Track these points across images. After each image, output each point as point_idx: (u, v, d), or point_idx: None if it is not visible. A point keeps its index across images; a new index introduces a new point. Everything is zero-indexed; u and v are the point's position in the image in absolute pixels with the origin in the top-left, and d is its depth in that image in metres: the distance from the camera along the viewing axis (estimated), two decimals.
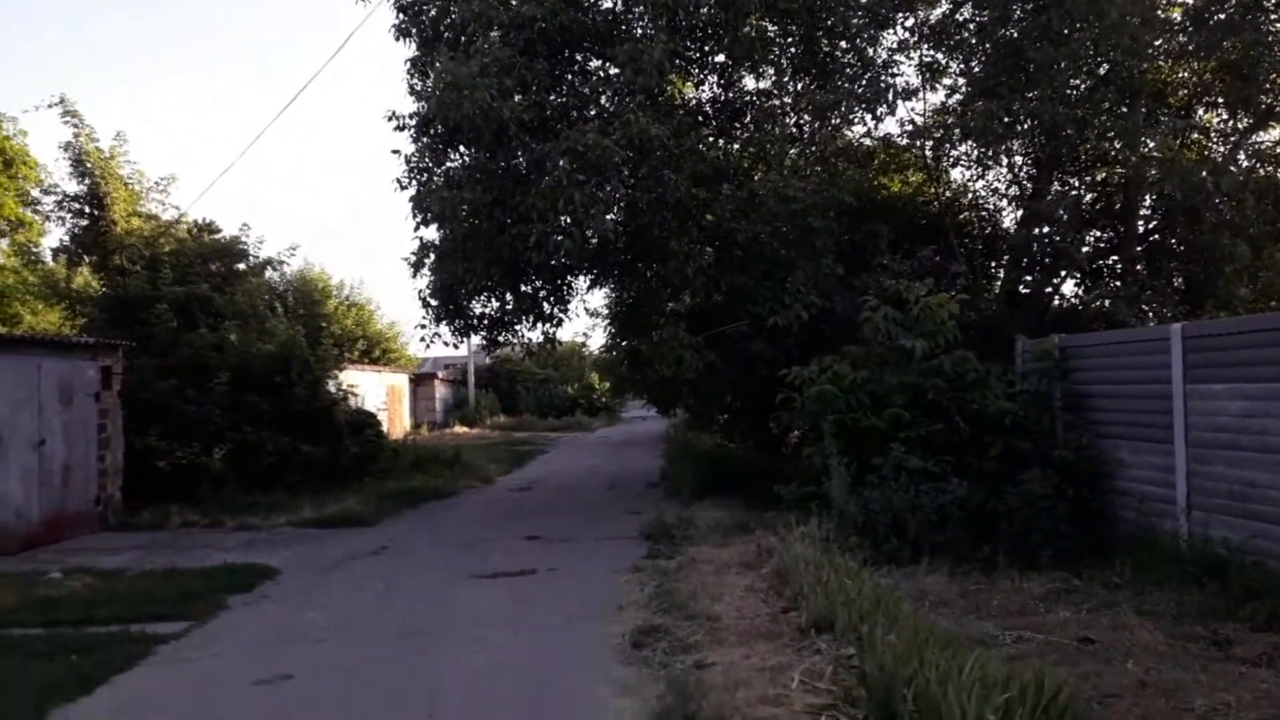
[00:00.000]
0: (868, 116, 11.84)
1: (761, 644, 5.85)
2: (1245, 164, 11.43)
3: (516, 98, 10.82)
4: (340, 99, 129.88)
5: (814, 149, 12.74)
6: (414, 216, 11.84)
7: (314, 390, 15.74)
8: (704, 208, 12.10)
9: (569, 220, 10.35)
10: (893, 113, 11.86)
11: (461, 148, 12.24)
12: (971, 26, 12.27)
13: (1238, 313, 10.93)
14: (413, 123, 12.19)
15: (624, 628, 6.58)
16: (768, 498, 12.33)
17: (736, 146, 13.59)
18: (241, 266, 18.44)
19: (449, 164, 12.52)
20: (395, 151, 12.50)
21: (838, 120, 12.38)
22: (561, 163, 10.17)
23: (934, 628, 5.30)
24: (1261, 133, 12.12)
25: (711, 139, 13.22)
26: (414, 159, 12.35)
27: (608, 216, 10.34)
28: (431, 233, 12.82)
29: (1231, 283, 11.10)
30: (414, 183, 12.36)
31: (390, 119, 12.26)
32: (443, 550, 10.43)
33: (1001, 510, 8.70)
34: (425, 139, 12.28)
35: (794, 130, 12.78)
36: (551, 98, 11.62)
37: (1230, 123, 12.13)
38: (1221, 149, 12.13)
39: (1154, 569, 7.40)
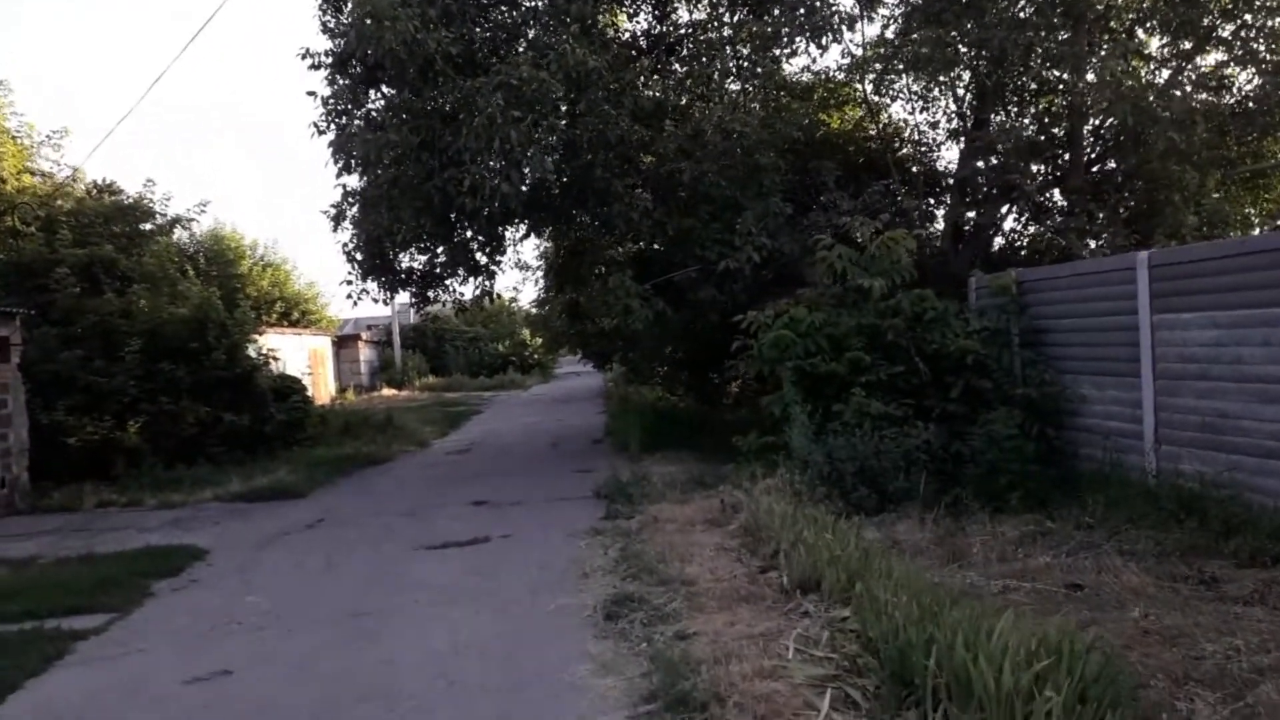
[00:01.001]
0: (812, 47, 11.34)
1: (744, 608, 5.48)
2: (1188, 89, 11.26)
3: (442, 30, 10.02)
4: (252, 41, 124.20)
5: (756, 83, 12.19)
6: (334, 162, 11.00)
7: (233, 356, 14.85)
8: (646, 147, 11.51)
9: (504, 162, 9.65)
10: (838, 41, 11.37)
11: (384, 87, 11.39)
12: None
13: (1186, 241, 10.84)
14: (329, 60, 11.28)
15: (593, 597, 6.14)
16: (719, 450, 12.01)
17: (673, 83, 12.98)
18: (148, 227, 17.26)
19: (370, 106, 11.67)
20: (311, 93, 11.56)
21: (781, 52, 11.85)
22: (495, 98, 9.42)
23: (938, 585, 4.96)
24: (1201, 57, 11.98)
25: (649, 74, 12.58)
26: (331, 101, 11.45)
27: (546, 156, 9.68)
28: (354, 181, 12.01)
29: (1180, 211, 10.98)
30: (332, 126, 11.49)
31: (304, 57, 11.31)
32: (384, 520, 9.84)
33: (966, 453, 8.48)
34: (344, 79, 11.39)
35: (734, 65, 12.22)
36: (479, 30, 10.83)
37: (1172, 47, 11.94)
38: (1163, 75, 11.97)
39: (1127, 507, 7.24)
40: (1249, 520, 6.51)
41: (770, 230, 11.17)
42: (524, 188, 10.08)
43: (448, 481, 12.62)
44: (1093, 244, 11.53)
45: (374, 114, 11.48)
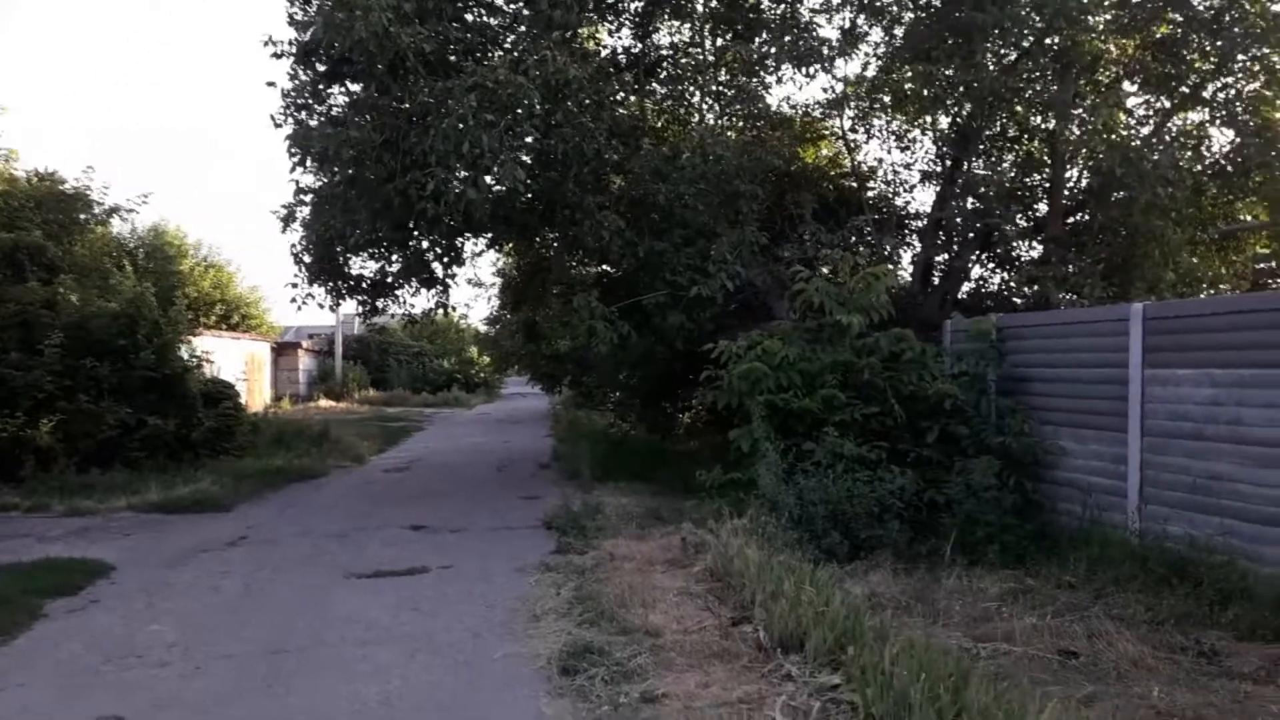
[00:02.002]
0: (798, 75, 10.92)
1: (717, 667, 4.86)
2: (1172, 146, 11.09)
3: (416, 26, 9.36)
4: (210, 32, 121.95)
5: (738, 107, 11.74)
6: (290, 156, 10.24)
7: (163, 356, 13.85)
8: (621, 165, 10.96)
9: (473, 168, 8.99)
10: (826, 70, 10.98)
11: (349, 82, 10.68)
12: None
13: (1164, 297, 10.59)
14: (293, 51, 10.55)
15: (546, 646, 5.46)
16: (675, 483, 11.40)
17: (651, 103, 12.48)
18: (84, 217, 16.22)
19: (332, 102, 10.96)
20: (271, 84, 10.79)
21: (768, 77, 11.42)
22: (468, 100, 8.77)
23: (945, 653, 4.39)
24: (1181, 115, 11.85)
25: (628, 90, 12.07)
26: (292, 94, 10.72)
27: (518, 165, 9.04)
28: (310, 179, 11.25)
29: (1159, 267, 10.75)
30: (291, 120, 10.74)
31: (267, 44, 10.56)
32: (312, 541, 9.02)
33: (941, 501, 8.02)
34: (307, 72, 10.68)
35: (715, 89, 11.77)
36: (455, 29, 10.19)
37: (1155, 102, 11.80)
38: (1144, 130, 11.81)
39: (1111, 567, 6.80)
40: (1245, 589, 6.11)
41: (744, 259, 10.68)
42: (491, 196, 9.43)
43: (384, 502, 11.80)
44: (1065, 295, 11.24)
45: (336, 110, 10.77)
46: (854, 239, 11.37)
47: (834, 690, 4.29)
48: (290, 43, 10.70)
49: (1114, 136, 10.03)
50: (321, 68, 10.78)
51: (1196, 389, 6.79)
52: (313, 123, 10.67)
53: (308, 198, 11.43)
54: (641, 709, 4.35)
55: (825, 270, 10.00)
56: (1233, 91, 11.34)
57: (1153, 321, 7.29)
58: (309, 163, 10.45)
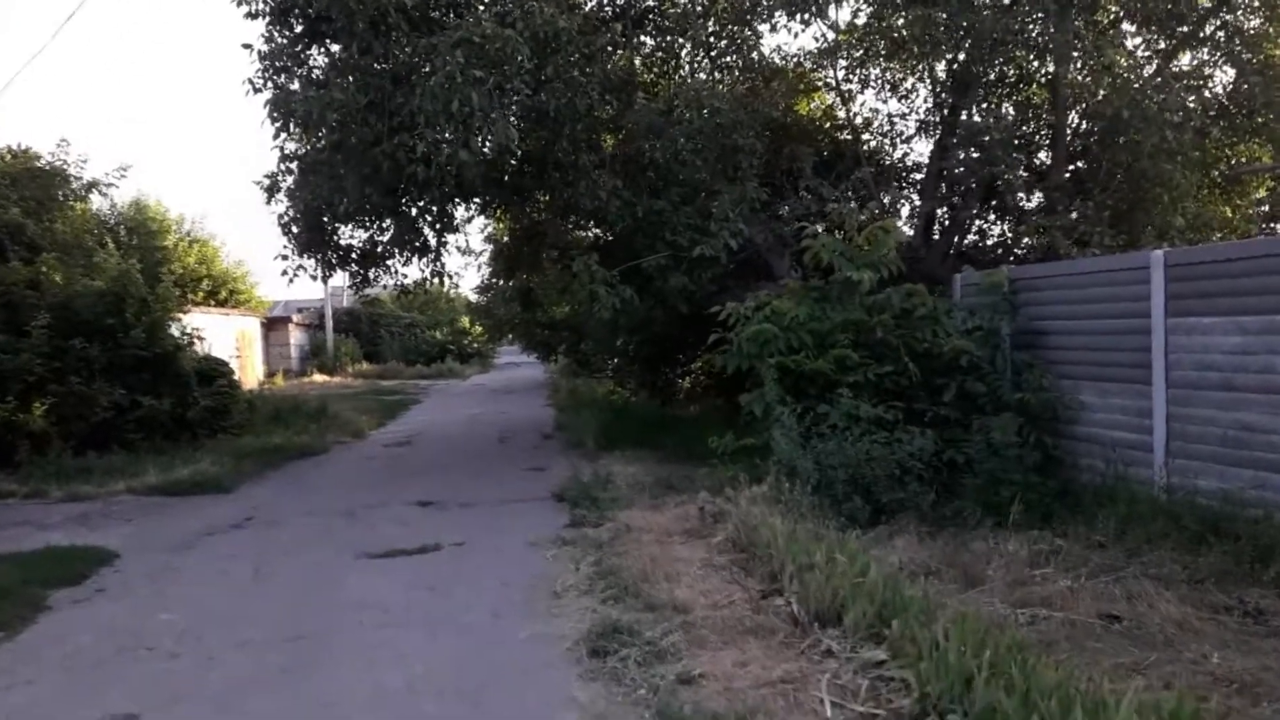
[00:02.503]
0: (793, 23, 10.55)
1: (753, 643, 4.67)
2: (1172, 87, 10.80)
3: None
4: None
5: (730, 59, 11.36)
6: (272, 122, 9.81)
7: (153, 334, 13.52)
8: (616, 120, 10.60)
9: (462, 127, 8.61)
10: (822, 17, 10.60)
11: (329, 42, 10.22)
12: None
13: (1175, 243, 10.35)
14: (268, 10, 10.06)
15: (572, 625, 5.26)
16: (681, 449, 11.20)
17: (640, 59, 12.07)
18: (61, 194, 15.76)
19: (312, 65, 10.49)
20: (246, 46, 10.29)
21: (761, 25, 11.03)
22: (455, 56, 8.38)
23: (996, 626, 4.20)
24: (1182, 55, 11.56)
25: (616, 45, 11.68)
26: (269, 57, 10.24)
27: (510, 123, 8.67)
28: (294, 145, 10.83)
29: (1168, 211, 10.50)
30: (270, 84, 10.28)
31: (239, 3, 10.05)
32: (320, 520, 8.79)
33: (961, 461, 7.82)
34: (285, 33, 10.19)
35: (707, 38, 11.36)
36: None
37: (1156, 43, 11.49)
38: (1146, 71, 11.50)
39: (1142, 525, 6.61)
40: None
41: (745, 217, 10.37)
42: (483, 157, 9.07)
43: (389, 478, 11.58)
44: (1072, 245, 11.01)
45: (317, 73, 10.31)
46: (853, 193, 11.08)
47: (880, 666, 4.10)
48: (264, 0, 10.20)
49: (1117, 80, 9.71)
50: (299, 28, 10.30)
51: (1225, 337, 6.57)
52: (294, 86, 10.21)
53: (293, 165, 11.03)
54: (680, 691, 4.16)
55: (828, 226, 9.72)
56: (1233, 29, 11.04)
57: (1175, 269, 7.05)
58: (292, 128, 10.04)
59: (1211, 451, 6.72)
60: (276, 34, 10.35)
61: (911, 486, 7.41)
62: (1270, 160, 12.14)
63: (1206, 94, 11.36)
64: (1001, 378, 8.49)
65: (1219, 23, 11.09)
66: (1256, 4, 11.15)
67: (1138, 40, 11.89)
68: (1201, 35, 11.27)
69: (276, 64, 10.27)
